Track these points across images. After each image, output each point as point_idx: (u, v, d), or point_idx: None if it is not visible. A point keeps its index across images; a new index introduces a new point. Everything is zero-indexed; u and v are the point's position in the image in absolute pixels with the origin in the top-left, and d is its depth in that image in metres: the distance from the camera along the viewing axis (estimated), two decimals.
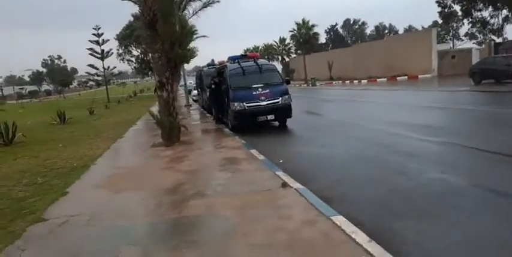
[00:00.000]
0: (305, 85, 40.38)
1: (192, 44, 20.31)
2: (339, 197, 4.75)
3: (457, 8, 25.22)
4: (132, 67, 45.14)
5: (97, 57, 36.59)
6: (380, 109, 14.61)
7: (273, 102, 10.77)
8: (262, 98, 10.72)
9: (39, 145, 10.95)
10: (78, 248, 3.70)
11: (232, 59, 12.64)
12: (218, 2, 15.17)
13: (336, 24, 74.07)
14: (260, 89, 10.81)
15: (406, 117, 11.42)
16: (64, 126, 16.00)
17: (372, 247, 3.16)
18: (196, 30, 21.66)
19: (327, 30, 71.92)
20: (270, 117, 10.87)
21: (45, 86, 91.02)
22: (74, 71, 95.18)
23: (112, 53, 38.20)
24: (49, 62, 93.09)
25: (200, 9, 15.59)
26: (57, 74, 77.65)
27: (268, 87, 10.92)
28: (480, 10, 24.19)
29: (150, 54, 43.13)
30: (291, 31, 44.20)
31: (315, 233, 3.53)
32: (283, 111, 10.95)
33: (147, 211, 4.66)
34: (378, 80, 34.59)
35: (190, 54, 19.72)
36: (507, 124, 9.33)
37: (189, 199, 4.92)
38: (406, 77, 32.51)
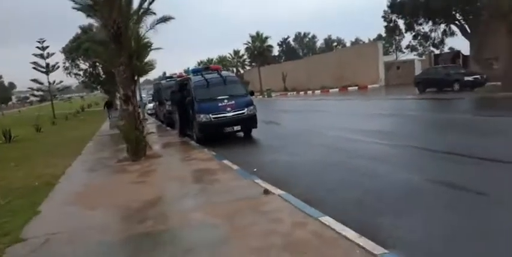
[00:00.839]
0: (261, 96, 41.06)
1: (149, 57, 20.11)
2: (319, 200, 4.96)
3: (400, 22, 27.23)
4: (80, 81, 43.31)
5: (41, 72, 34.73)
6: (337, 118, 15.32)
7: (239, 113, 10.93)
8: (228, 109, 10.84)
9: None
10: None
11: (195, 71, 12.68)
12: (173, 18, 15.16)
13: (288, 37, 76.78)
14: (226, 101, 10.93)
15: (362, 124, 12.12)
16: (11, 145, 15.00)
17: (363, 241, 3.39)
18: (152, 44, 21.48)
19: (280, 43, 74.15)
20: (236, 128, 11.00)
21: None
22: (12, 86, 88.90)
23: (58, 67, 36.49)
24: None
25: (157, 24, 15.51)
26: None
27: (233, 98, 11.06)
28: (421, 24, 26.32)
29: (99, 68, 41.65)
30: (245, 44, 45.07)
31: (308, 234, 3.70)
32: (249, 122, 11.14)
33: (130, 225, 4.56)
34: (330, 90, 36.07)
35: (148, 67, 19.45)
36: (449, 127, 10.33)
37: (171, 210, 4.91)
38: (357, 87, 34.27)
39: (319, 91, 37.18)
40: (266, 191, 5.27)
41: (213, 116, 10.73)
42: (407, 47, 55.77)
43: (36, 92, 35.87)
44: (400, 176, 5.81)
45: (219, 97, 11.03)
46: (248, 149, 9.84)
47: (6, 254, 3.87)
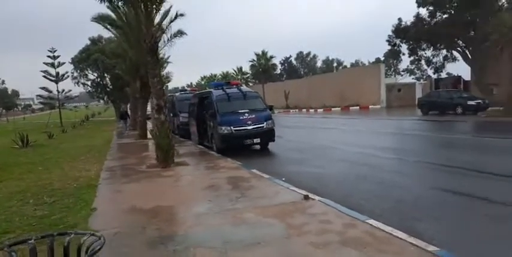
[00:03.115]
0: None
1: (165, 70, 20.80)
2: (357, 208, 5.36)
3: (404, 46, 28.31)
4: (87, 91, 43.96)
5: (51, 80, 35.30)
6: (346, 135, 15.88)
7: (259, 127, 11.46)
8: (249, 122, 11.37)
9: (14, 168, 10.53)
10: (149, 253, 3.94)
11: (216, 85, 13.29)
12: (186, 34, 15.79)
13: (290, 56, 78.57)
14: (247, 114, 11.48)
15: (373, 141, 12.82)
16: (29, 150, 15.27)
17: (414, 241, 3.83)
18: (169, 57, 22.19)
19: (282, 61, 75.71)
20: (256, 140, 11.51)
21: None
22: (16, 93, 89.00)
23: (68, 76, 37.12)
24: None
25: (173, 38, 16.16)
26: None
27: (253, 112, 11.63)
28: (424, 49, 27.39)
29: (107, 79, 42.15)
30: (250, 61, 46.14)
31: (361, 233, 4.13)
32: (268, 135, 11.66)
33: (188, 221, 4.94)
34: (332, 109, 36.85)
35: (165, 79, 20.07)
36: (455, 146, 11.19)
37: (223, 210, 5.29)
38: (358, 107, 35.06)
39: (321, 110, 37.94)
40: (306, 197, 5.70)
41: (235, 128, 11.24)
42: (405, 70, 57.67)
43: (44, 100, 36.32)
44: (422, 187, 6.46)
45: (240, 111, 11.58)
46: (270, 161, 10.29)
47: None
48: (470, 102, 20.34)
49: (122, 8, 14.89)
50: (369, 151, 10.52)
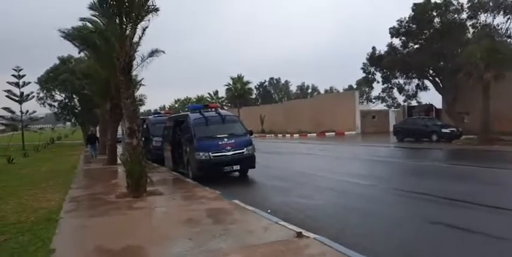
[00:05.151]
0: None
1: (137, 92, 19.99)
2: (355, 247, 4.76)
3: (378, 74, 29.08)
4: (54, 112, 42.01)
5: (15, 100, 33.53)
6: (327, 161, 15.57)
7: (239, 153, 10.84)
8: (228, 148, 10.74)
9: None
10: None
11: (194, 108, 12.69)
12: (163, 52, 15.07)
13: (265, 81, 79.81)
14: (226, 139, 10.86)
15: (355, 169, 12.59)
16: None
17: None
18: (142, 79, 21.53)
19: (256, 86, 76.42)
20: (236, 167, 10.87)
21: None
22: None
23: (33, 97, 35.38)
24: None
25: (148, 57, 15.44)
26: None
27: (233, 137, 11.03)
28: (397, 78, 28.23)
29: (75, 100, 40.28)
30: (226, 85, 46.06)
31: None
32: (248, 162, 11.04)
33: None
34: (308, 135, 36.83)
35: (138, 102, 19.27)
36: (436, 174, 11.12)
37: (207, 251, 4.60)
38: (334, 133, 35.24)
39: (297, 135, 37.84)
40: (299, 234, 5.09)
41: (213, 154, 10.58)
42: (377, 97, 59.48)
43: (6, 122, 34.25)
44: (417, 222, 6.08)
45: (219, 135, 10.97)
46: (252, 190, 9.68)
47: None
48: (444, 130, 20.68)
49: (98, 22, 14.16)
50: (353, 180, 10.10)
